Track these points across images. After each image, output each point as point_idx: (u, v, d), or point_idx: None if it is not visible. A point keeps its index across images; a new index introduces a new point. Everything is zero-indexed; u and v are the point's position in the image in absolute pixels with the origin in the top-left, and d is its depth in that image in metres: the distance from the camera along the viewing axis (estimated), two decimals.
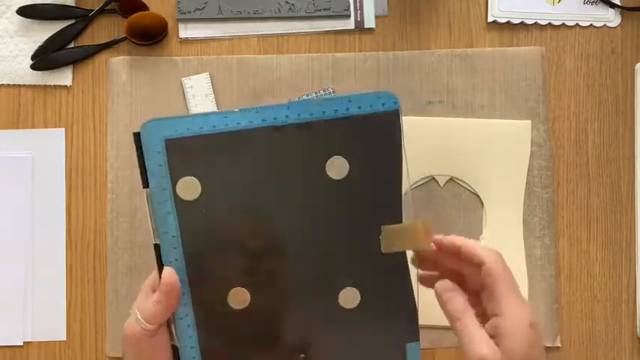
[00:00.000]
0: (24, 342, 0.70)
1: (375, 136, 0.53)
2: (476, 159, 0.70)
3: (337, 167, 0.52)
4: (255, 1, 0.72)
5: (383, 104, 0.52)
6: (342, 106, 0.52)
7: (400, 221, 0.54)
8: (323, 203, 0.53)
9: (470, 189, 0.70)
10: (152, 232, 0.52)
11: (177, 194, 0.51)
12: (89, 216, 0.71)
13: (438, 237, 0.55)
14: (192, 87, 0.71)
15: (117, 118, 0.71)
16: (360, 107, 0.52)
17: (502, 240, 0.70)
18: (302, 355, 0.55)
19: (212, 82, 0.71)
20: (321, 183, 0.52)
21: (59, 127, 0.72)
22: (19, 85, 0.73)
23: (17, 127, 0.72)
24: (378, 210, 0.54)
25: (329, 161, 0.52)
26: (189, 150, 0.51)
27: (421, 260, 0.56)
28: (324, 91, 0.71)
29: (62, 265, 0.71)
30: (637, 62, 0.72)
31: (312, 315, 0.54)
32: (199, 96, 0.71)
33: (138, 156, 0.50)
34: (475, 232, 0.70)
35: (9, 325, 0.70)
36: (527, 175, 0.70)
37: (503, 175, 0.70)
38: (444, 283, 0.54)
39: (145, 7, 0.72)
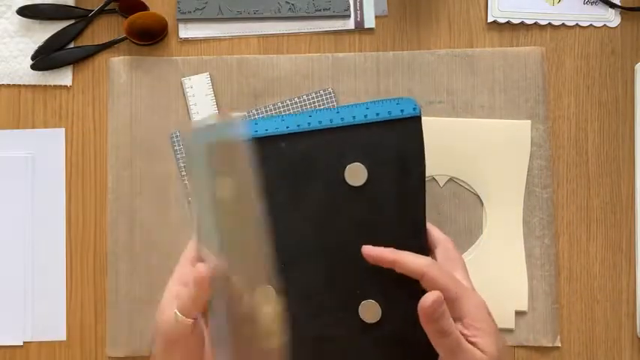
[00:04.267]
0: (24, 342, 0.70)
1: (394, 142, 0.52)
2: (476, 159, 0.70)
3: (356, 173, 0.51)
4: (255, 1, 0.72)
5: (402, 110, 0.52)
6: (359, 112, 0.52)
7: (423, 231, 0.52)
8: (341, 210, 0.52)
9: (470, 189, 0.70)
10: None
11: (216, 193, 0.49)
12: (89, 216, 0.71)
13: (367, 249, 0.51)
14: (192, 87, 0.71)
15: (117, 118, 0.71)
16: (378, 114, 0.52)
17: (502, 240, 0.70)
18: None
19: (212, 82, 0.71)
20: (340, 189, 0.52)
21: (59, 127, 0.72)
22: (19, 85, 0.73)
23: (17, 127, 0.72)
24: (398, 219, 0.52)
25: (347, 167, 0.51)
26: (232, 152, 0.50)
27: None
28: (324, 91, 0.71)
29: (62, 265, 0.71)
30: (637, 62, 0.72)
31: (333, 328, 0.52)
32: (199, 96, 0.71)
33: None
34: (475, 232, 0.70)
35: (9, 325, 0.70)
36: (527, 175, 0.70)
37: (503, 175, 0.70)
38: (437, 296, 0.48)
39: (145, 7, 0.72)
